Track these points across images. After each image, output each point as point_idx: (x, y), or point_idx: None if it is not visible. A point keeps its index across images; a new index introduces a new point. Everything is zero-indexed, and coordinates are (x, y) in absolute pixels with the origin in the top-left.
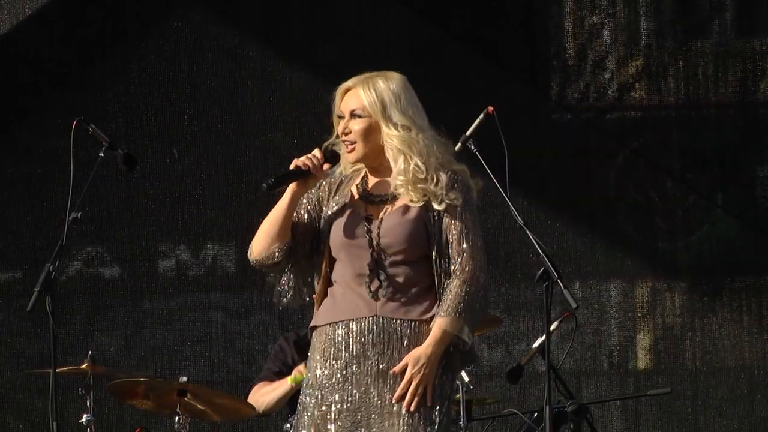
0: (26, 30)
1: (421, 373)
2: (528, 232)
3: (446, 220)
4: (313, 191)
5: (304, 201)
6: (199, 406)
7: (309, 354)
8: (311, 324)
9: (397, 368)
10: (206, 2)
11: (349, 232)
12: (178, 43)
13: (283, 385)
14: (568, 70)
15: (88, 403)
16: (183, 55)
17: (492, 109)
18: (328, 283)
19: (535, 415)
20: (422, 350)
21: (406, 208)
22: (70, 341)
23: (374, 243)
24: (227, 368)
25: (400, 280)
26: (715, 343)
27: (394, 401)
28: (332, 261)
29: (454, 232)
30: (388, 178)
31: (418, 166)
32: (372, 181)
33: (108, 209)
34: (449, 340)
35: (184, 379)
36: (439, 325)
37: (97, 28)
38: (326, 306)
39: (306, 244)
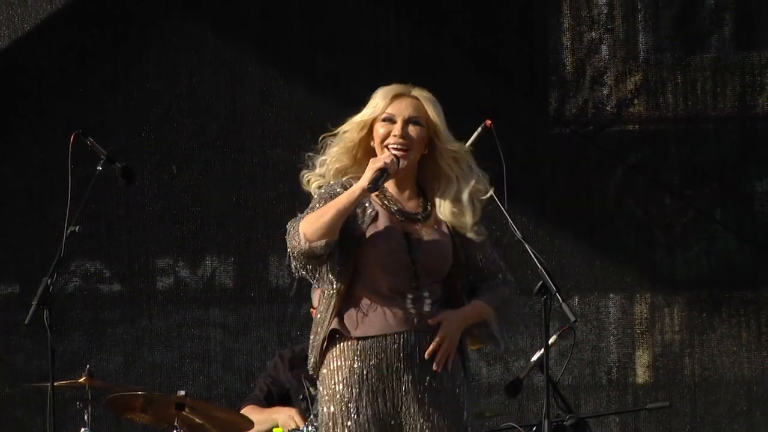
0: (26, 42)
1: (452, 335)
2: (526, 245)
3: (473, 244)
4: (339, 190)
5: None
6: (197, 420)
7: (325, 363)
8: (332, 327)
9: (432, 320)
10: (205, 16)
11: (389, 247)
12: (178, 58)
13: (269, 423)
14: (567, 85)
15: (86, 418)
16: (182, 70)
17: (490, 122)
18: (349, 293)
19: (534, 429)
20: (457, 313)
21: (439, 228)
22: (69, 358)
23: (417, 262)
24: (225, 385)
25: (435, 297)
26: (714, 359)
27: (426, 356)
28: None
29: (484, 254)
30: (407, 192)
31: (480, 177)
32: (394, 193)
33: (107, 225)
34: (478, 320)
35: (182, 392)
36: (476, 303)
37: (97, 41)
38: (353, 317)
39: (337, 249)
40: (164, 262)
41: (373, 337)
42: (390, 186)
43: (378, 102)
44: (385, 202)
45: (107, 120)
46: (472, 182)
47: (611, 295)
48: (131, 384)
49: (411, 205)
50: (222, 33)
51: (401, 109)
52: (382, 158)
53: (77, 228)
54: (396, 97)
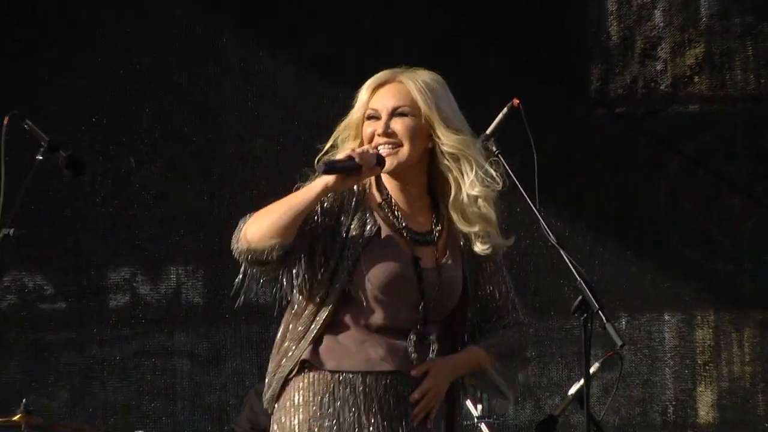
0: None
1: (438, 387)
2: (562, 252)
3: (487, 266)
4: (332, 197)
5: (325, 205)
6: None
7: (285, 396)
8: (302, 357)
9: (417, 370)
10: None
11: (395, 276)
12: (138, 30)
13: None
14: (612, 60)
15: None
16: (144, 44)
17: (518, 101)
18: (334, 319)
19: None
20: (448, 362)
21: (452, 252)
22: (2, 392)
23: (427, 298)
24: (194, 427)
25: (438, 336)
26: None
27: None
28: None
29: (496, 285)
30: (417, 204)
31: (489, 174)
32: (401, 206)
33: (49, 230)
34: (473, 369)
35: None
36: (472, 350)
37: (41, 11)
38: (331, 347)
39: (302, 256)
40: (119, 276)
41: (354, 372)
42: (395, 194)
43: (362, 96)
44: (391, 217)
45: (51, 102)
46: (476, 184)
47: (666, 317)
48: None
49: (421, 222)
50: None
51: (384, 100)
52: (356, 151)
53: (11, 231)
54: (379, 86)
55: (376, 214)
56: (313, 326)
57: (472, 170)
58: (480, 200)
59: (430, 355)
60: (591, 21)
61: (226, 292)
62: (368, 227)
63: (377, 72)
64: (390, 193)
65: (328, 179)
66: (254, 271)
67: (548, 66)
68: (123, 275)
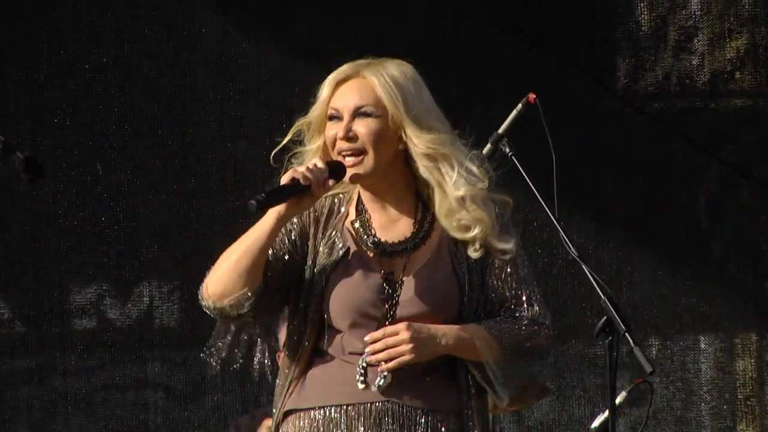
0: None
1: (409, 339)
2: (584, 266)
3: (495, 270)
4: (295, 219)
5: (283, 231)
6: None
7: None
8: (285, 408)
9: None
10: None
11: (362, 296)
12: (104, 16)
13: None
14: (642, 53)
15: None
16: (110, 32)
17: (534, 96)
18: (312, 354)
19: None
20: (434, 329)
21: (435, 261)
22: None
23: (394, 315)
24: None
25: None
26: None
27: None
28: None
29: (509, 274)
30: (395, 211)
31: (471, 172)
32: (376, 218)
33: (5, 245)
34: (467, 354)
35: None
36: (470, 327)
37: None
38: (312, 384)
39: (277, 294)
40: (84, 297)
41: (334, 406)
42: (369, 206)
43: (322, 93)
44: (361, 232)
45: (4, 100)
46: (461, 184)
47: (703, 345)
48: None
49: (398, 230)
50: None
51: (346, 98)
52: (296, 172)
53: None
54: (341, 82)
55: (346, 231)
56: (294, 365)
57: (453, 170)
58: (467, 201)
59: (379, 382)
60: (618, 10)
61: (204, 316)
62: (336, 249)
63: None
64: (364, 203)
65: (279, 209)
66: (233, 329)
67: (571, 59)
68: (87, 296)
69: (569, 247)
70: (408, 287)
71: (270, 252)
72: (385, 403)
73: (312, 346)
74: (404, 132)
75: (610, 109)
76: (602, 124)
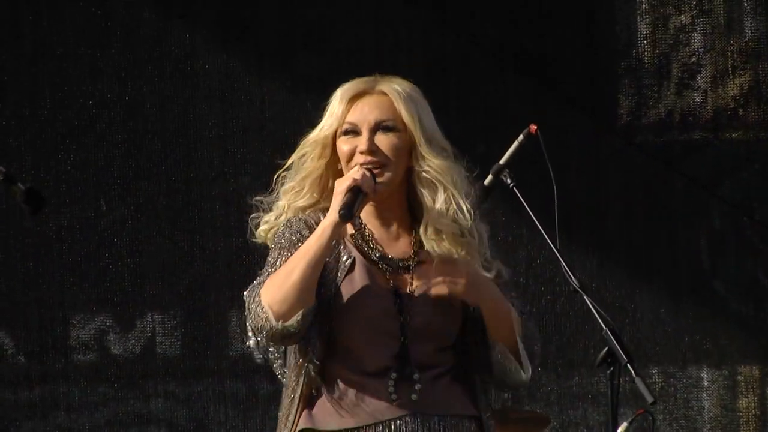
0: None
1: (464, 273)
2: (586, 297)
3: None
4: (306, 233)
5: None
6: None
7: None
8: (299, 426)
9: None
10: None
11: (374, 311)
12: (107, 51)
13: None
14: (644, 90)
15: None
16: (112, 68)
17: (535, 127)
18: (323, 374)
19: None
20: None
21: (435, 275)
22: None
23: (407, 328)
24: None
25: (435, 371)
26: None
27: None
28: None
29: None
30: (396, 228)
31: (461, 209)
32: (377, 233)
33: (8, 280)
34: (504, 312)
35: None
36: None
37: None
38: (325, 404)
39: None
40: (88, 333)
41: (353, 429)
42: (370, 221)
43: (335, 108)
44: (364, 246)
45: (9, 134)
46: (443, 217)
47: (706, 382)
48: None
49: (400, 247)
50: (167, 14)
51: (365, 113)
52: (350, 175)
53: None
54: (356, 97)
55: (349, 244)
56: (301, 386)
57: (445, 203)
58: (444, 235)
59: (413, 396)
60: (618, 45)
61: (207, 351)
62: (343, 260)
63: None
64: (362, 218)
65: (333, 218)
66: (281, 349)
67: (573, 97)
68: (92, 332)
69: (570, 278)
70: (417, 300)
71: None
72: (407, 417)
73: (321, 363)
74: (416, 149)
75: (611, 146)
76: (604, 162)
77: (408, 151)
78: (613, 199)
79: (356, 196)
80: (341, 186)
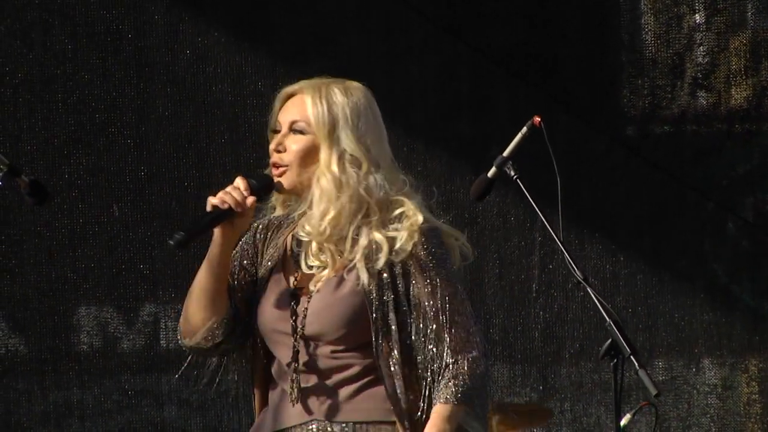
0: None
1: None
2: (589, 289)
3: (418, 286)
4: (249, 238)
5: (238, 253)
6: None
7: None
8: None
9: None
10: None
11: (272, 312)
12: (119, 56)
13: None
14: (658, 91)
15: None
16: (125, 72)
17: (539, 120)
18: (266, 378)
19: None
20: None
21: (341, 279)
22: None
23: (297, 330)
24: None
25: (340, 374)
26: None
27: None
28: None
29: (426, 303)
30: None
31: (337, 216)
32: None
33: (21, 286)
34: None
35: None
36: (438, 412)
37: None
38: (265, 413)
39: (247, 317)
40: (101, 339)
41: None
42: (301, 219)
43: (275, 107)
44: (289, 244)
45: (21, 139)
46: (364, 194)
47: (709, 372)
48: None
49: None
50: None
51: (285, 113)
52: (214, 199)
53: None
54: (288, 97)
55: (281, 246)
56: (256, 393)
57: (326, 211)
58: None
59: (313, 402)
60: (626, 46)
61: None
62: (268, 263)
63: (390, 110)
64: (296, 215)
65: (216, 234)
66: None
67: (575, 101)
68: (107, 338)
69: (574, 270)
70: (315, 301)
71: (232, 279)
72: (312, 424)
73: (261, 372)
74: (319, 154)
75: (617, 155)
76: (609, 171)
77: (318, 154)
78: (619, 210)
79: (209, 218)
80: (208, 204)
